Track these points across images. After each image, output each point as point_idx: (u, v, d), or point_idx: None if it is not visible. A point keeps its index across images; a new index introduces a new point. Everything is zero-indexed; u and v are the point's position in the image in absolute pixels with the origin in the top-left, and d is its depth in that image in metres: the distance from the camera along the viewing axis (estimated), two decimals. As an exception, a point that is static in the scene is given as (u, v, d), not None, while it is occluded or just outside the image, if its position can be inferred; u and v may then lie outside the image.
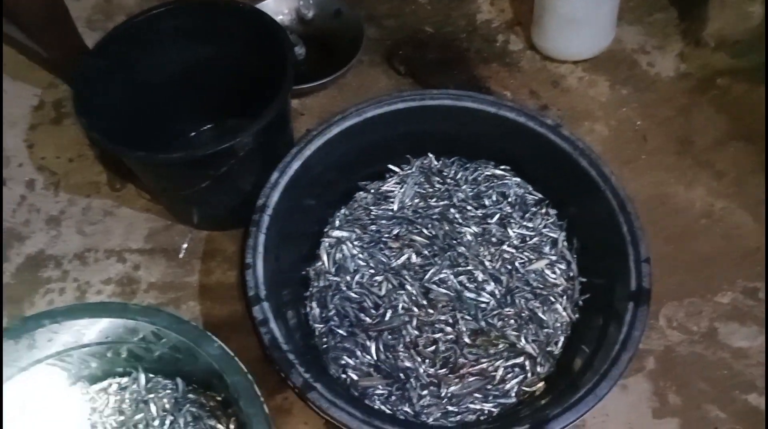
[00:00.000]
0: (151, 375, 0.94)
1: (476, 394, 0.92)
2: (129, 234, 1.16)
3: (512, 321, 0.96)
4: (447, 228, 1.03)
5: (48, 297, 1.10)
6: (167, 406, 0.90)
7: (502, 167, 1.08)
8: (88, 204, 1.20)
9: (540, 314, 0.95)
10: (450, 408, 0.91)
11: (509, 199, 1.05)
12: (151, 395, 0.91)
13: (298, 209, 1.02)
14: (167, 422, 0.89)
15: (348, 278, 1.01)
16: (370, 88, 1.33)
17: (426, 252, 1.01)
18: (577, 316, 0.96)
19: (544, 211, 1.04)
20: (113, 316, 0.85)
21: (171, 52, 1.11)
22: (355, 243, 1.06)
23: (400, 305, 0.98)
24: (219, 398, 0.89)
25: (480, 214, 1.04)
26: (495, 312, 0.96)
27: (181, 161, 0.93)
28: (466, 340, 0.95)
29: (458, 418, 0.91)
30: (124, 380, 0.94)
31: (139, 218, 1.18)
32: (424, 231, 1.03)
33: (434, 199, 1.08)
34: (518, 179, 1.07)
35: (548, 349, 0.94)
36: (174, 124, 1.20)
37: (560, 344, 0.95)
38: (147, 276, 1.11)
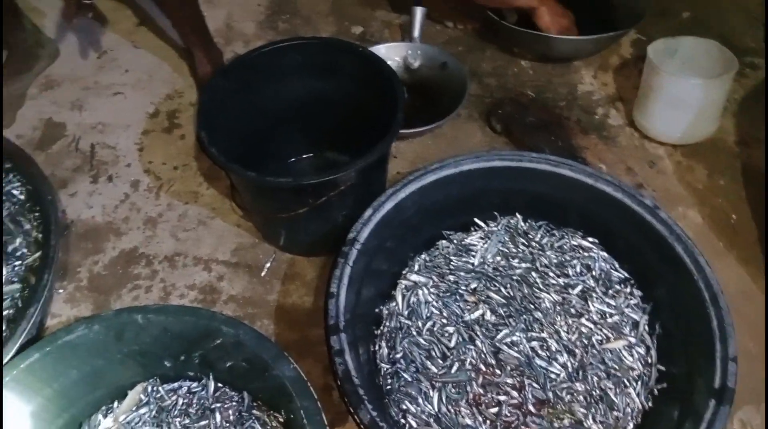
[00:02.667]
0: (220, 384, 0.97)
1: (533, 466, 0.90)
2: (218, 245, 1.21)
3: (581, 397, 0.94)
4: (526, 291, 1.03)
5: (135, 292, 1.16)
6: (231, 417, 0.92)
7: (590, 240, 1.08)
8: (184, 211, 1.27)
9: (612, 396, 0.93)
10: (505, 474, 0.89)
11: (594, 273, 1.04)
12: (218, 404, 0.94)
13: (383, 248, 1.04)
14: (229, 433, 0.91)
15: (419, 324, 1.02)
16: (465, 141, 1.36)
17: (501, 311, 1.01)
18: (650, 404, 0.93)
19: (628, 290, 1.02)
20: (201, 320, 0.89)
21: (289, 83, 1.18)
22: (431, 290, 1.07)
23: (468, 360, 0.98)
24: (281, 419, 0.91)
25: (561, 283, 1.03)
26: (565, 385, 0.94)
27: (287, 187, 0.98)
28: (531, 408, 0.93)
29: (512, 485, 0.89)
30: (194, 385, 0.97)
31: (230, 232, 1.23)
32: (503, 290, 1.04)
33: (516, 260, 1.08)
34: (605, 255, 1.06)
35: (615, 432, 0.92)
36: (277, 148, 1.27)
37: (628, 430, 0.92)
38: (228, 288, 1.15)
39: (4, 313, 1.03)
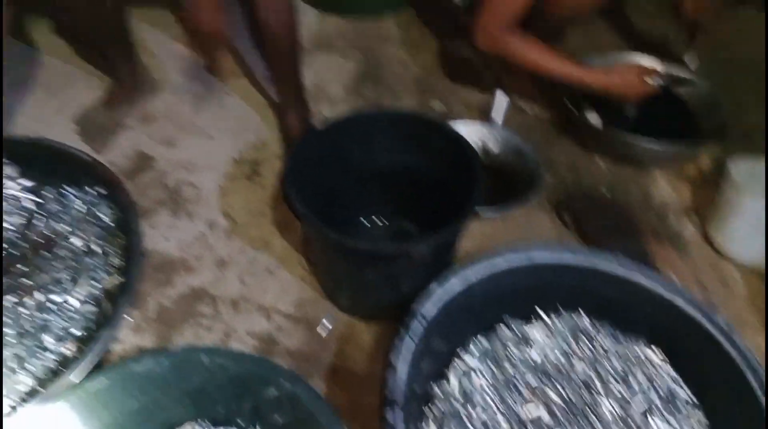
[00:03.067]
0: (267, 437, 0.97)
1: None
2: (282, 296, 1.24)
3: None
4: (586, 396, 1.01)
5: (196, 330, 1.19)
6: (275, 474, 0.93)
7: (658, 354, 1.06)
8: (254, 257, 1.31)
9: None
10: None
11: (660, 391, 1.02)
12: (263, 457, 0.94)
13: (443, 325, 1.05)
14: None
15: (473, 411, 1.01)
16: (533, 229, 1.38)
17: (559, 414, 1.00)
18: None
19: (696, 419, 0.99)
20: (262, 370, 0.91)
21: (375, 150, 1.23)
22: (487, 376, 1.07)
23: (519, 458, 0.96)
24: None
25: (624, 394, 1.01)
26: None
27: (363, 250, 1.01)
28: None
29: None
30: (242, 433, 0.99)
31: (294, 285, 1.26)
32: (562, 392, 1.02)
33: (578, 360, 1.07)
34: (674, 373, 1.04)
35: None
36: (351, 209, 1.31)
37: None
38: (286, 341, 1.18)
39: (78, 333, 1.08)
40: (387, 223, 1.36)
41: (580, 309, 1.13)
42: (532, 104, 1.61)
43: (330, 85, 1.72)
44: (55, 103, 1.62)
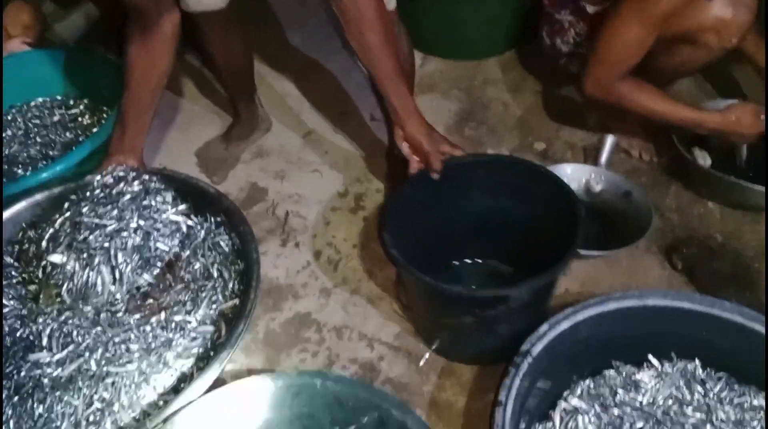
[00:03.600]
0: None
1: None
2: (383, 326, 1.27)
3: None
4: (701, 445, 0.97)
5: (302, 355, 1.24)
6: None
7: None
8: (357, 287, 1.36)
9: None
10: None
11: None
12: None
13: (552, 365, 1.04)
14: None
15: (579, 454, 0.99)
16: (641, 273, 1.34)
17: (671, 461, 0.96)
18: None
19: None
20: (373, 398, 0.94)
21: (471, 195, 1.25)
22: (592, 419, 1.04)
23: (627, 505, 0.93)
24: None
25: (742, 446, 0.96)
26: None
27: (460, 296, 1.02)
28: None
29: None
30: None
31: (395, 316, 1.29)
32: (674, 438, 0.98)
33: (690, 408, 1.03)
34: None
35: None
36: (447, 250, 1.33)
37: None
38: (387, 369, 1.20)
39: (195, 350, 1.15)
40: (481, 264, 1.36)
41: (695, 357, 1.09)
42: (638, 147, 1.59)
43: (433, 125, 1.76)
44: (180, 137, 1.76)
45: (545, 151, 1.67)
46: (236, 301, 1.20)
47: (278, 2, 2.18)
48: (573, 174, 1.49)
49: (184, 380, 1.11)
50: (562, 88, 1.81)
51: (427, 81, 1.92)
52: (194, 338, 1.16)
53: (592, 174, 1.49)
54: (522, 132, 1.74)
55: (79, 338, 1.15)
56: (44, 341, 1.16)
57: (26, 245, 1.31)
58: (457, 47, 1.99)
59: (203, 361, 1.13)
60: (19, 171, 1.51)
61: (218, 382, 1.04)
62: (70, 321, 1.18)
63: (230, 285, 1.24)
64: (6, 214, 1.32)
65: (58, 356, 1.14)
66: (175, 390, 1.09)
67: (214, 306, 1.22)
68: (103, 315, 1.18)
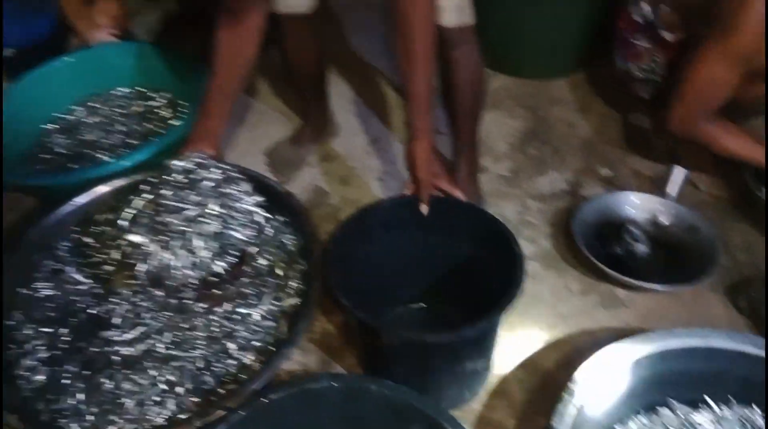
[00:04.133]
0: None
1: None
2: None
3: None
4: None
5: (355, 359, 1.26)
6: None
7: None
8: (413, 298, 1.37)
9: None
10: None
11: None
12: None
13: (607, 396, 1.04)
14: None
15: (629, 488, 0.98)
16: (701, 310, 1.32)
17: None
18: None
19: None
20: (427, 409, 0.95)
21: (404, 238, 1.27)
22: (644, 456, 1.03)
23: None
24: None
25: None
26: None
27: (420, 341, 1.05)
28: None
29: None
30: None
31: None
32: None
33: (747, 455, 1.01)
34: None
35: None
36: (389, 294, 1.33)
37: None
38: (438, 383, 1.21)
39: (256, 344, 1.18)
40: (426, 308, 1.36)
41: (753, 404, 1.07)
42: (709, 181, 1.56)
43: (496, 142, 1.78)
44: (249, 135, 1.81)
45: (610, 176, 1.66)
46: (297, 300, 1.24)
47: (345, 6, 2.22)
48: (641, 204, 1.48)
49: (245, 371, 1.15)
50: (631, 113, 1.79)
51: (492, 98, 1.92)
52: (256, 332, 1.20)
53: (660, 205, 1.47)
54: (586, 155, 1.73)
55: (150, 321, 1.21)
56: (116, 321, 1.22)
57: (104, 227, 1.38)
58: (524, 65, 2.00)
59: (263, 355, 1.16)
60: (101, 157, 1.59)
61: (274, 378, 1.07)
62: (143, 303, 1.23)
63: (292, 284, 1.28)
64: (87, 196, 1.39)
65: (128, 336, 1.19)
66: (236, 380, 1.13)
67: (275, 302, 1.25)
68: (173, 300, 1.23)
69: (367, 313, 1.05)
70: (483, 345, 1.14)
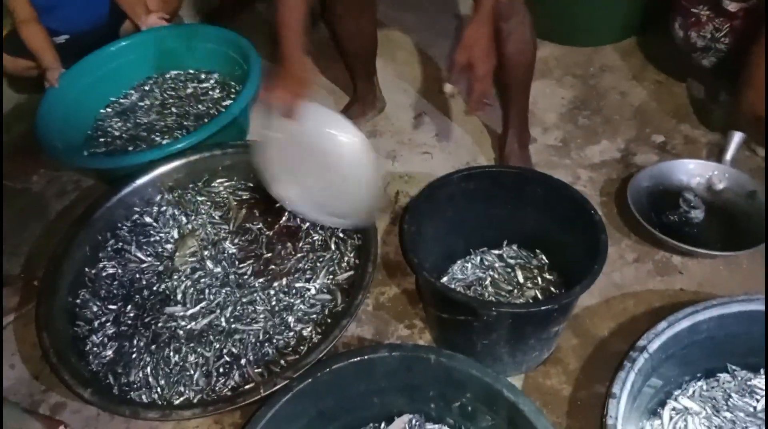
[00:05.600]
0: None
1: None
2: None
3: None
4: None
5: (408, 330, 1.29)
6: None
7: None
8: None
9: None
10: None
11: None
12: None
13: (667, 363, 1.03)
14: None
15: (688, 454, 0.99)
16: (760, 276, 1.29)
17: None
18: None
19: None
20: (485, 377, 0.96)
21: (469, 210, 1.28)
22: (702, 420, 1.03)
23: None
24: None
25: None
26: None
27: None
28: None
29: None
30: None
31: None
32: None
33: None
34: None
35: None
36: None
37: None
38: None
39: (314, 316, 1.22)
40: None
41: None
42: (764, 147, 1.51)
43: (545, 112, 1.76)
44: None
45: (663, 144, 1.62)
46: (351, 273, 1.27)
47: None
48: (695, 170, 1.44)
49: (303, 342, 1.19)
50: (687, 80, 1.74)
51: (540, 66, 1.89)
52: (313, 305, 1.24)
53: (716, 171, 1.44)
54: (639, 123, 1.70)
55: (211, 296, 1.26)
56: (179, 296, 1.28)
57: (164, 207, 1.43)
58: (574, 33, 1.95)
59: (320, 327, 1.20)
60: (158, 138, 1.64)
61: (330, 349, 1.10)
62: (202, 280, 1.29)
63: (346, 258, 1.31)
64: (145, 178, 1.44)
65: (191, 311, 1.25)
66: (295, 351, 1.18)
67: (330, 276, 1.29)
68: (231, 276, 1.28)
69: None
70: (568, 310, 1.15)
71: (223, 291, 1.27)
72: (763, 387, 1.06)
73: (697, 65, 1.55)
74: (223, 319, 1.23)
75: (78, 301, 1.28)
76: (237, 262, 1.33)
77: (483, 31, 1.15)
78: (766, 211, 1.31)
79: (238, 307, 1.24)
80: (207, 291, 1.27)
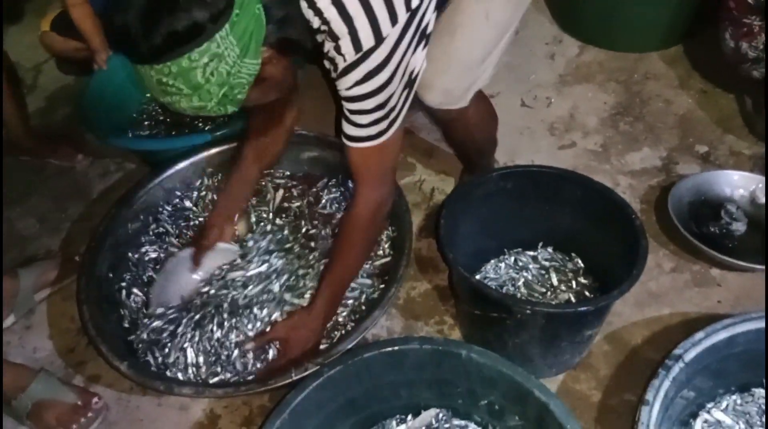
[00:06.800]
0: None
1: None
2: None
3: None
4: None
5: (439, 326, 1.29)
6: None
7: None
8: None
9: None
10: None
11: None
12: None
13: (700, 374, 1.02)
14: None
15: (718, 468, 0.97)
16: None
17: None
18: None
19: None
20: (516, 376, 0.96)
21: (504, 210, 1.28)
22: (737, 435, 1.01)
23: None
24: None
25: None
26: None
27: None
28: None
29: None
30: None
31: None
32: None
33: None
34: None
35: None
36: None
37: None
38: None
39: (351, 301, 1.23)
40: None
41: None
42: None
43: (585, 116, 1.74)
44: (331, 107, 1.83)
45: (707, 154, 1.60)
46: (388, 259, 1.27)
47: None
48: (739, 182, 1.42)
49: (338, 328, 1.20)
50: (734, 91, 1.71)
51: (583, 71, 1.88)
52: (353, 289, 1.24)
53: (760, 184, 1.41)
54: (682, 132, 1.67)
55: (274, 261, 1.28)
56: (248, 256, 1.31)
57: (204, 192, 1.46)
58: (619, 38, 1.93)
59: (355, 315, 1.21)
60: (200, 124, 1.67)
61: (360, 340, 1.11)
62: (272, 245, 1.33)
63: (381, 246, 1.31)
64: (186, 161, 1.46)
65: (251, 272, 1.26)
66: (328, 335, 1.18)
67: (368, 262, 1.29)
68: (297, 247, 1.31)
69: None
70: (603, 314, 1.14)
71: (286, 258, 1.29)
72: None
73: (746, 76, 1.52)
74: (276, 285, 1.24)
75: (123, 284, 1.29)
76: (290, 237, 1.35)
77: (313, 326, 1.14)
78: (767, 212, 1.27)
79: (292, 278, 1.26)
80: (274, 256, 1.29)
